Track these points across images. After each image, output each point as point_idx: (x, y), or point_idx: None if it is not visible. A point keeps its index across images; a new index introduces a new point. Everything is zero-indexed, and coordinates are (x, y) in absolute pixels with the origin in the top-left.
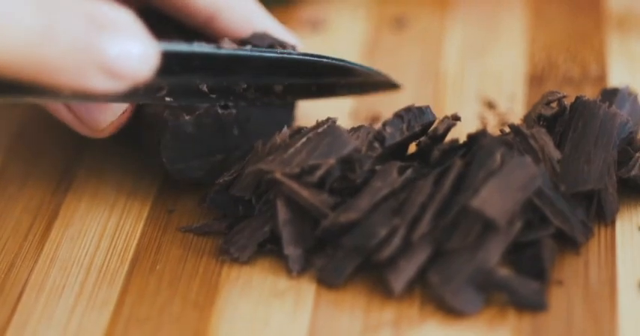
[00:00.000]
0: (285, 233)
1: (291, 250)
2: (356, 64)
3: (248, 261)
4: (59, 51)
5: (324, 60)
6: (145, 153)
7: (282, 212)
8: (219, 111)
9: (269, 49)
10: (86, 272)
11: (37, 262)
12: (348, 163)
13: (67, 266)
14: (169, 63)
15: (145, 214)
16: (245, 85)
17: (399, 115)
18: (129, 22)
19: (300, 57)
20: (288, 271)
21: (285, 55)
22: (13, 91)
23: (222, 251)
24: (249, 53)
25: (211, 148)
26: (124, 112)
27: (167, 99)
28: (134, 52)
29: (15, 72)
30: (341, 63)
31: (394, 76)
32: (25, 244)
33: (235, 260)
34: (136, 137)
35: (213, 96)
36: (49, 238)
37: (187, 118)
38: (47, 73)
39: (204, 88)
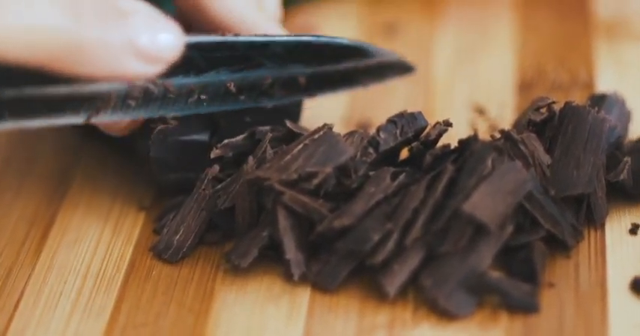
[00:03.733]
0: (287, 239)
1: (292, 255)
2: (369, 45)
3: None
4: (88, 37)
5: (338, 41)
6: (139, 163)
7: (282, 218)
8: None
9: (283, 34)
10: (83, 279)
11: (34, 270)
12: (343, 169)
13: (63, 274)
14: (193, 57)
15: (140, 222)
16: (270, 81)
17: (392, 121)
18: (147, 7)
19: (316, 39)
20: (284, 276)
21: (300, 38)
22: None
23: (224, 259)
24: (267, 38)
25: (204, 158)
26: None
27: (201, 97)
28: (161, 35)
29: (47, 59)
30: (354, 44)
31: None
32: (22, 251)
33: (237, 267)
34: (131, 147)
35: (242, 97)
36: (46, 246)
37: (174, 122)
38: (80, 60)
39: (232, 87)
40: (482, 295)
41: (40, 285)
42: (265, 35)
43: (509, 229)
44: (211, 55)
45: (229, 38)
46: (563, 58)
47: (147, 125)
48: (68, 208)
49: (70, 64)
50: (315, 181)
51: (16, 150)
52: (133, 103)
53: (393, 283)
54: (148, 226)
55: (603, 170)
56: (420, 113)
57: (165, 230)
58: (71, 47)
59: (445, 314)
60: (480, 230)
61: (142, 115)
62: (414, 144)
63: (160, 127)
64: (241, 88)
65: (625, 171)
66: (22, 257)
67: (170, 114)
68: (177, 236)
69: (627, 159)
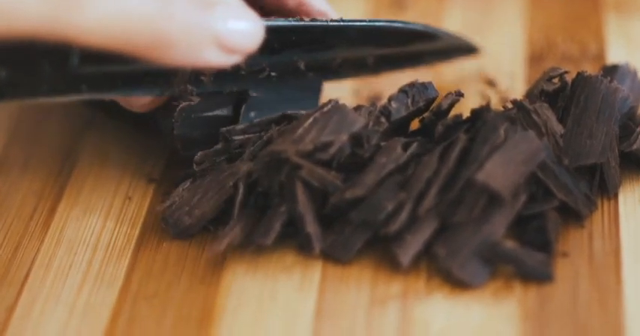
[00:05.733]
0: (307, 212)
1: (312, 229)
2: (438, 30)
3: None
4: (174, 27)
5: (410, 26)
6: (164, 140)
7: (300, 193)
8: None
9: (358, 19)
10: (93, 251)
11: (43, 243)
12: (356, 138)
13: (73, 246)
14: (270, 40)
15: (150, 194)
16: (339, 61)
17: (403, 91)
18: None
19: (388, 24)
20: (299, 249)
21: (375, 23)
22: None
23: (245, 242)
24: (343, 24)
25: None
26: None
27: (271, 74)
28: (244, 26)
29: (134, 46)
30: (425, 28)
31: None
32: (31, 224)
33: (261, 246)
34: (148, 122)
35: (310, 74)
36: (55, 219)
37: (196, 99)
38: (164, 48)
39: (302, 65)
40: (496, 264)
41: (50, 257)
42: (341, 20)
43: (523, 198)
44: (286, 38)
45: (306, 23)
46: (572, 32)
47: (169, 103)
48: (76, 181)
49: (154, 52)
50: (332, 151)
51: (23, 123)
52: (205, 79)
53: (407, 253)
54: (158, 198)
55: (616, 140)
56: (430, 83)
57: (173, 208)
58: (157, 36)
59: (459, 284)
60: (493, 200)
61: (213, 89)
62: (426, 114)
63: (183, 104)
64: (310, 65)
65: (638, 141)
66: (31, 230)
67: (240, 89)
68: (186, 218)
69: None
